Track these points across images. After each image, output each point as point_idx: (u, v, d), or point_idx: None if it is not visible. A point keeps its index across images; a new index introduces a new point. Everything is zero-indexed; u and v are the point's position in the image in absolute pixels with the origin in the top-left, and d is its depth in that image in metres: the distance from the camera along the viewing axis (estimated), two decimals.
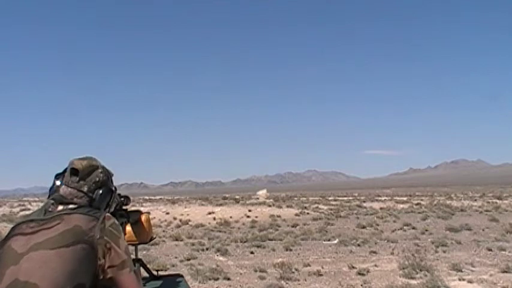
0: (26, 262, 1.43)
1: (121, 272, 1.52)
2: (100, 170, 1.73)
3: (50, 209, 1.59)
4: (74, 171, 1.66)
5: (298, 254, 11.07)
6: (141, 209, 3.14)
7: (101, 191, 1.69)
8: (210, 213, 25.33)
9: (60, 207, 1.60)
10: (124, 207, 2.23)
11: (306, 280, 7.99)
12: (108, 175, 1.76)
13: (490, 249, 10.89)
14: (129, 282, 1.54)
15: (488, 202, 32.28)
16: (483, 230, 15.42)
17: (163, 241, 13.93)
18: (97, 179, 1.70)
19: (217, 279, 7.98)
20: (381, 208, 28.07)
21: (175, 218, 23.19)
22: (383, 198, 44.05)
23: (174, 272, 2.51)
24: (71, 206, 1.61)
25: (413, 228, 16.43)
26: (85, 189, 1.66)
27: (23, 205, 36.22)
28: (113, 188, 1.77)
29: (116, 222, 1.60)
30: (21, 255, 1.45)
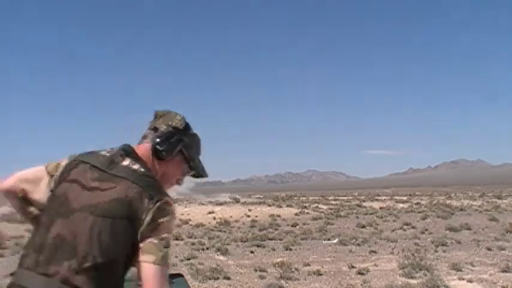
0: (72, 221, 1.40)
1: (144, 256, 1.39)
2: (179, 117, 1.62)
3: (116, 160, 1.50)
4: (155, 115, 1.63)
5: (298, 253, 11.07)
6: None
7: (168, 134, 1.57)
8: (210, 213, 25.35)
9: (127, 162, 1.49)
10: None
11: (305, 280, 7.99)
12: (187, 128, 1.63)
13: (489, 249, 10.89)
14: (147, 272, 1.39)
15: (488, 202, 32.32)
16: (483, 229, 15.43)
17: None
18: (170, 122, 1.60)
19: (217, 278, 7.98)
20: (380, 208, 28.09)
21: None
22: (383, 198, 44.08)
23: (174, 272, 2.51)
24: (135, 167, 1.48)
25: (413, 227, 16.43)
26: (156, 126, 1.59)
27: None
28: (187, 141, 1.61)
29: (170, 208, 1.46)
30: (72, 210, 1.42)
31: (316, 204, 32.59)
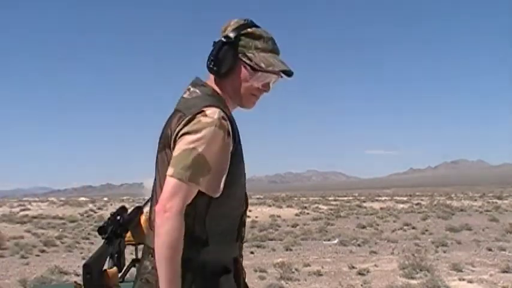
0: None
1: (167, 169, 1.29)
2: (232, 22, 1.44)
3: (184, 95, 1.43)
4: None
5: (298, 254, 11.06)
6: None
7: (217, 44, 1.40)
8: None
9: (186, 94, 1.43)
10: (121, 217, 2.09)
11: (306, 280, 7.98)
12: (239, 29, 1.40)
13: (490, 249, 10.88)
14: (165, 184, 1.27)
15: (489, 202, 32.26)
16: (483, 230, 15.42)
17: None
18: (233, 25, 1.43)
19: None
20: (381, 208, 28.07)
21: None
22: (383, 198, 44.02)
23: None
24: (189, 96, 1.40)
25: (414, 228, 16.43)
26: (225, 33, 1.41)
27: (23, 205, 36.13)
28: (241, 42, 1.40)
29: (200, 118, 1.29)
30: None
31: (316, 205, 32.56)
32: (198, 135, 1.26)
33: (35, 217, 23.38)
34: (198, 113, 1.30)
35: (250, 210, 27.91)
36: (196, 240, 1.32)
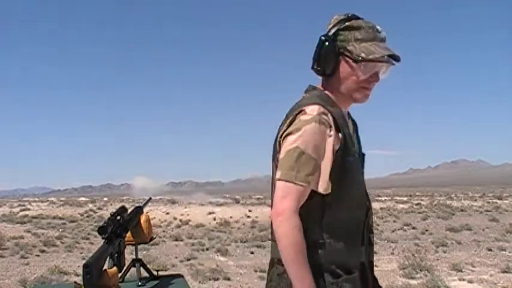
0: None
1: (275, 173, 1.31)
2: (332, 20, 1.41)
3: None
4: None
5: None
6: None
7: (319, 44, 1.40)
8: (210, 213, 25.35)
9: (298, 100, 1.43)
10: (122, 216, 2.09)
11: None
12: (337, 25, 1.38)
13: (490, 249, 10.88)
14: (275, 189, 1.30)
15: (489, 202, 32.27)
16: (483, 230, 15.42)
17: (164, 241, 13.93)
18: (333, 21, 1.41)
19: (217, 279, 7.97)
20: (381, 208, 28.05)
21: (175, 218, 23.21)
22: (383, 198, 43.99)
23: (174, 272, 2.49)
24: (299, 101, 1.41)
25: (414, 228, 16.43)
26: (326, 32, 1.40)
27: (23, 205, 36.19)
28: (340, 37, 1.38)
29: (299, 117, 1.30)
30: None
31: None
32: (299, 134, 1.27)
33: (35, 217, 23.43)
34: (298, 113, 1.31)
35: (250, 210, 28.05)
36: (312, 244, 1.29)
